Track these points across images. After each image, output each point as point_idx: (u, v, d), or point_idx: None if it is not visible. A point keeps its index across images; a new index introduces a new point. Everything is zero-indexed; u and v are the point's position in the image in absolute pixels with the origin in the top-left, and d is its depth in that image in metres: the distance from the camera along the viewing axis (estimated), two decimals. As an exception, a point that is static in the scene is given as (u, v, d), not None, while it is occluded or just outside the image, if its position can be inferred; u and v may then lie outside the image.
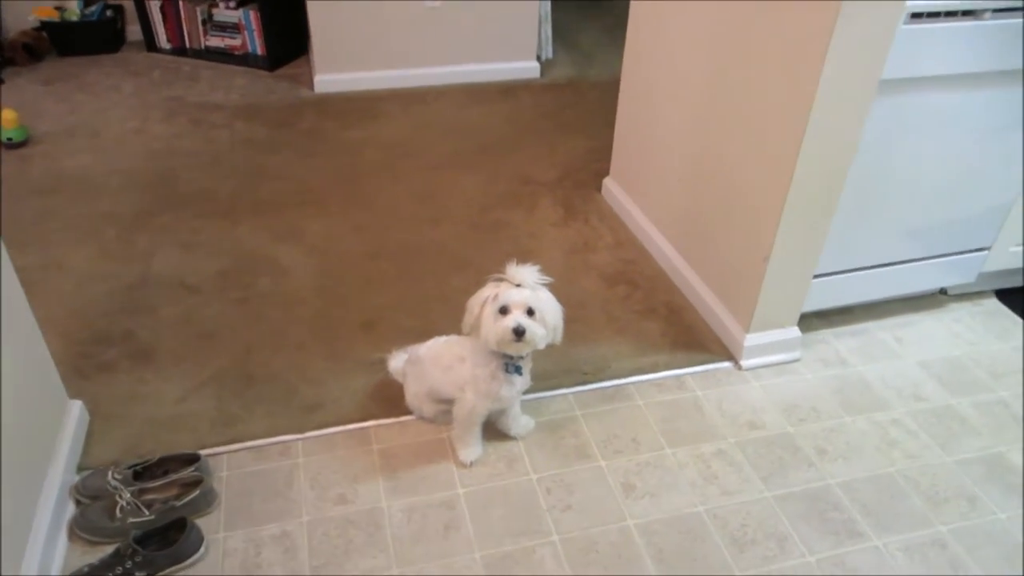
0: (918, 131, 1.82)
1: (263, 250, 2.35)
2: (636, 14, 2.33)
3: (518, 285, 1.48)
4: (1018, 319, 2.26)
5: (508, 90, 3.53)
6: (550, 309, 1.51)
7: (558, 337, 1.56)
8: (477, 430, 1.67)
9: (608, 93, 2.54)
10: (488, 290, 1.51)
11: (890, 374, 2.02)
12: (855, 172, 1.79)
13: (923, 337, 2.16)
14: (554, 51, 3.87)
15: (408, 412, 1.78)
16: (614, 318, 2.13)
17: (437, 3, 3.35)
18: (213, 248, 2.35)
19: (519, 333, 1.46)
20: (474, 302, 1.52)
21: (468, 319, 1.53)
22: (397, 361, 1.80)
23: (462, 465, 1.68)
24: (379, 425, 1.76)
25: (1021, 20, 1.70)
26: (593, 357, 1.98)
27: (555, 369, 1.91)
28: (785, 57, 1.68)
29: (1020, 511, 1.68)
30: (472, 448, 1.67)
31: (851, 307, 2.19)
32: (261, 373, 1.88)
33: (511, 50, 3.59)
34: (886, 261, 2.07)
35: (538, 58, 3.69)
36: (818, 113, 1.62)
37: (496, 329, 1.47)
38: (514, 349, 1.51)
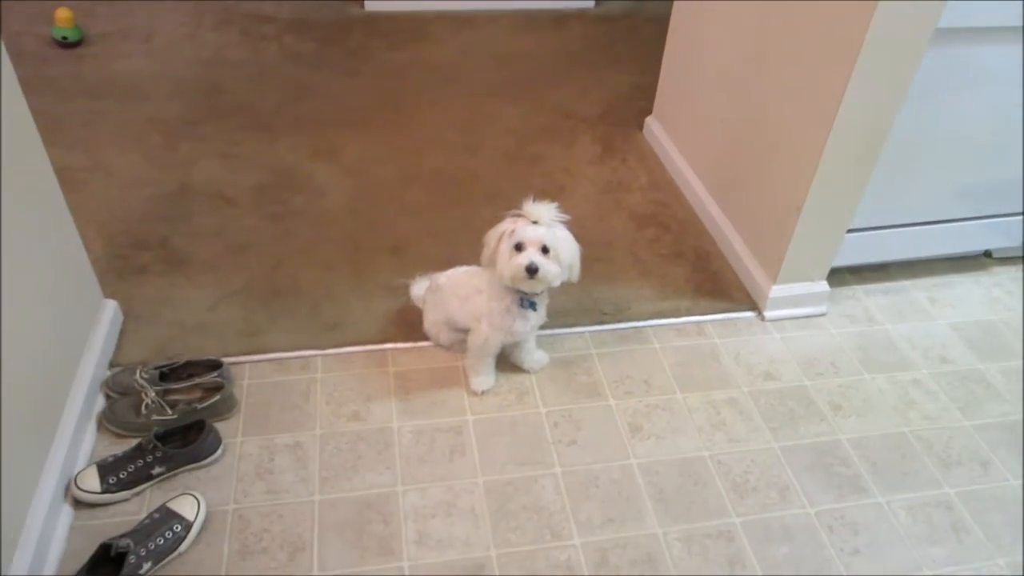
0: (972, 85, 1.72)
1: (300, 167, 2.38)
2: (692, -56, 2.23)
3: (535, 222, 1.48)
4: (1064, 289, 2.18)
5: (560, 19, 3.43)
6: (566, 247, 1.51)
7: (574, 275, 1.56)
8: (490, 360, 1.70)
9: (662, 28, 2.45)
10: (505, 225, 1.50)
11: (918, 334, 1.98)
12: (901, 124, 1.71)
13: (959, 299, 2.10)
14: (610, -20, 3.74)
15: (425, 338, 1.82)
16: (640, 260, 2.11)
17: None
18: (252, 161, 2.39)
19: (532, 271, 1.46)
20: (491, 236, 1.53)
21: (486, 252, 1.54)
22: (419, 288, 1.83)
23: (473, 393, 1.71)
24: (396, 348, 1.80)
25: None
26: (614, 297, 1.98)
27: (574, 307, 1.92)
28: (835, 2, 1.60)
29: (1033, 482, 1.66)
30: (484, 377, 1.71)
31: (887, 264, 2.13)
32: (288, 288, 1.93)
33: (566, -22, 3.48)
34: (928, 219, 2.00)
35: (594, -13, 3.57)
36: (865, 60, 1.54)
37: (510, 265, 1.48)
38: (527, 286, 1.52)
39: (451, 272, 1.73)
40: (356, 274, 1.99)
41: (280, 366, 1.74)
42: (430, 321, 1.77)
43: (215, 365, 1.64)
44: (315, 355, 1.77)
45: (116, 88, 2.70)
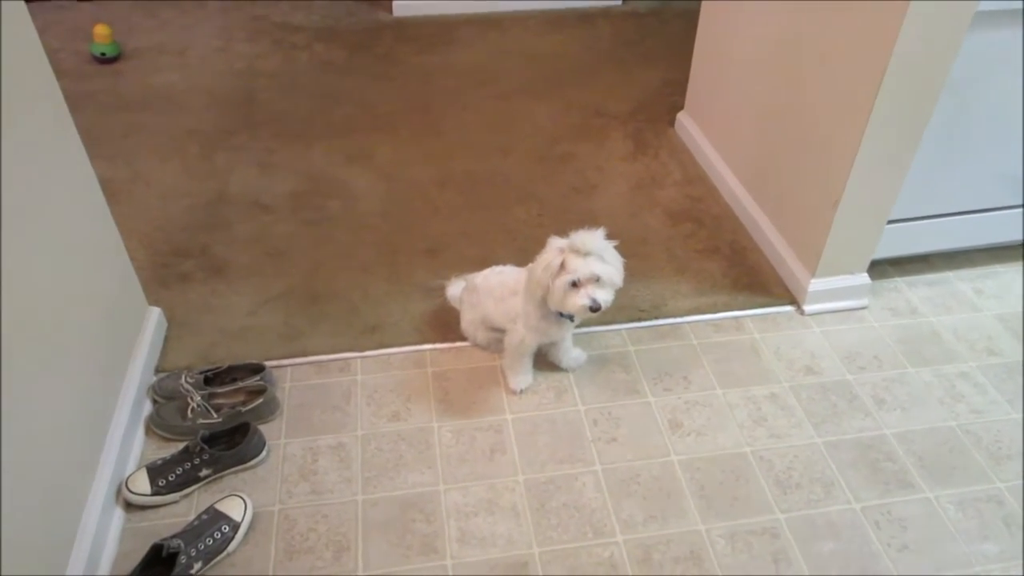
0: (1013, 69, 1.68)
1: (335, 173, 2.41)
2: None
3: (586, 254, 1.46)
4: (1115, 277, 2.11)
5: (587, 17, 3.43)
6: (617, 273, 1.51)
7: (619, 284, 1.55)
8: (527, 360, 1.70)
9: (691, 23, 2.44)
10: (554, 256, 1.47)
11: (964, 326, 1.94)
12: (942, 112, 1.68)
13: (1005, 290, 2.05)
14: (638, -23, 3.72)
15: (463, 338, 1.83)
16: (675, 256, 2.10)
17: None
18: (287, 169, 2.43)
19: (595, 310, 1.47)
20: (541, 272, 1.49)
21: (536, 291, 1.52)
22: (455, 288, 1.84)
23: (511, 393, 1.72)
24: (434, 349, 1.82)
25: None
26: (650, 295, 1.97)
27: (611, 305, 1.91)
28: (874, -15, 1.57)
29: (1088, 476, 1.61)
30: (522, 377, 1.71)
31: (929, 255, 2.09)
32: (326, 292, 1.96)
33: (592, -24, 3.47)
34: (971, 208, 1.96)
35: (621, -16, 3.55)
36: (903, 46, 1.52)
37: (568, 304, 1.47)
38: (586, 317, 1.53)
39: (487, 272, 1.73)
40: (393, 277, 2.01)
41: (320, 369, 1.77)
42: (467, 320, 1.78)
43: (258, 369, 1.67)
44: (354, 357, 1.79)
45: (154, 101, 2.76)
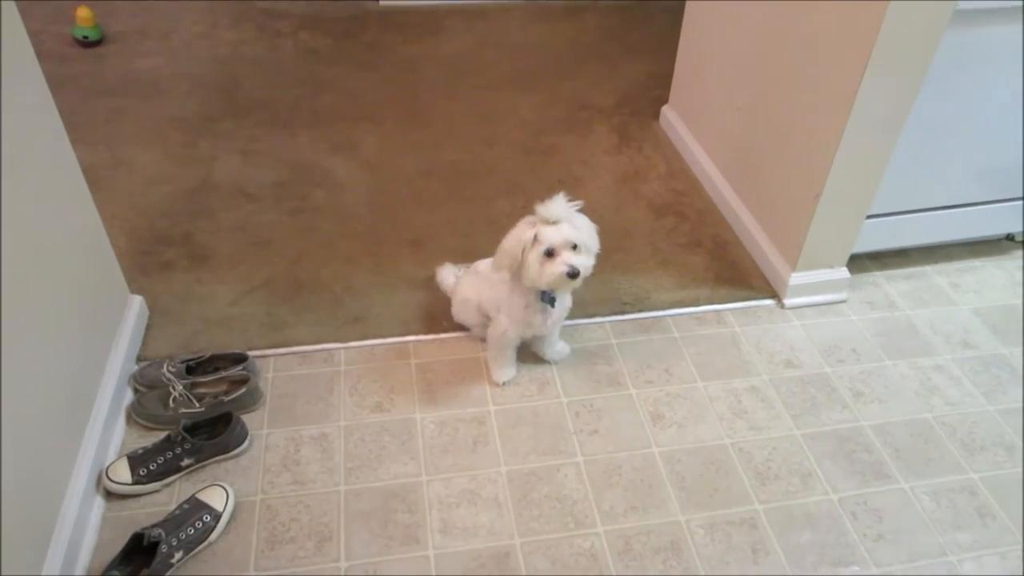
0: (992, 66, 1.71)
1: (319, 162, 2.40)
2: (707, -69, 2.22)
3: (554, 222, 1.46)
4: (1089, 273, 2.15)
5: (573, 9, 3.43)
6: (590, 236, 1.51)
7: (596, 253, 1.55)
8: (511, 352, 1.71)
9: (676, 16, 2.45)
10: (526, 231, 1.47)
11: (940, 320, 1.97)
12: (920, 108, 1.70)
13: (981, 284, 2.08)
14: (625, -31, 3.71)
15: (446, 330, 1.83)
16: (659, 249, 2.11)
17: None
18: (272, 157, 2.41)
19: (574, 276, 1.45)
20: (512, 246, 1.48)
21: (506, 262, 1.50)
22: (447, 274, 1.84)
23: (495, 385, 1.73)
24: (418, 340, 1.82)
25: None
26: (633, 288, 1.98)
27: (593, 298, 1.93)
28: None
29: (1058, 468, 1.65)
30: (505, 369, 1.72)
31: (908, 249, 2.12)
32: (310, 282, 1.96)
33: (579, -35, 3.47)
34: (949, 203, 1.98)
35: (608, -25, 3.55)
36: (884, 43, 1.53)
37: (546, 274, 1.46)
38: (568, 287, 1.53)
39: (490, 260, 1.71)
40: (377, 267, 2.01)
41: (304, 359, 1.77)
42: (461, 299, 1.76)
43: (240, 358, 1.66)
44: (338, 348, 1.79)
45: (137, 86, 2.73)
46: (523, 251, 1.47)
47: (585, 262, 1.48)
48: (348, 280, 1.96)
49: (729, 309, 1.95)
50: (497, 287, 1.64)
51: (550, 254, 1.46)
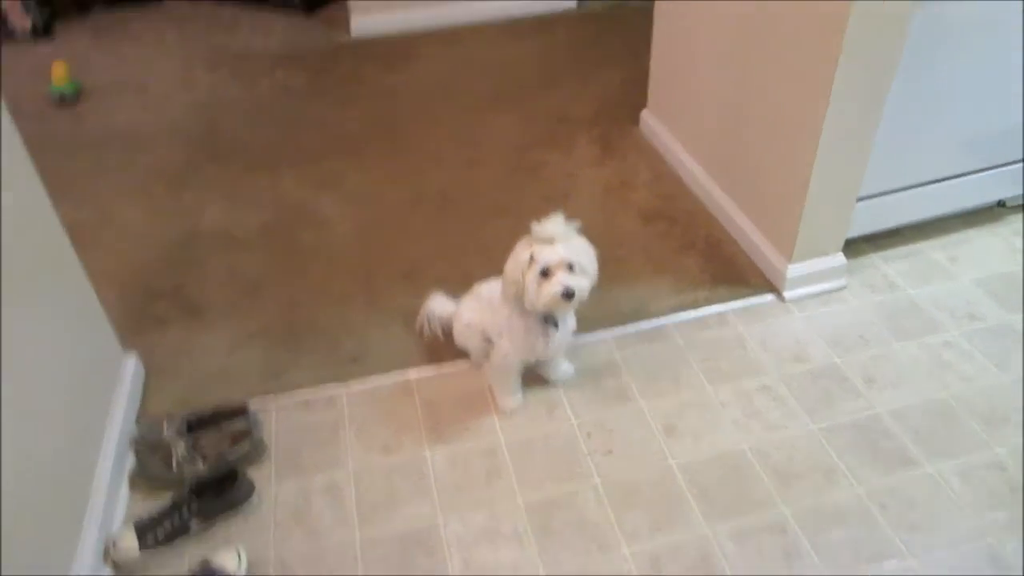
0: (964, 39, 1.70)
1: (305, 201, 2.38)
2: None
3: (551, 241, 1.43)
4: (1086, 230, 2.13)
5: (544, 23, 3.42)
6: (588, 258, 1.48)
7: (594, 278, 1.53)
8: (515, 378, 1.68)
9: (647, 20, 2.44)
10: (523, 252, 1.45)
11: (942, 295, 1.94)
12: (900, 86, 1.68)
13: (979, 254, 2.06)
14: (591, -22, 3.73)
15: (448, 359, 1.80)
16: (652, 256, 2.09)
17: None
18: (257, 201, 2.39)
19: (569, 296, 1.43)
20: (513, 270, 1.47)
21: (509, 288, 1.49)
22: (438, 303, 1.80)
23: (502, 413, 1.69)
24: (421, 374, 1.79)
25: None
26: (631, 298, 1.95)
27: (593, 313, 1.88)
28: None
29: (1083, 437, 1.62)
30: (511, 396, 1.69)
31: (901, 228, 2.09)
32: (306, 325, 1.93)
33: (546, -20, 3.47)
34: (937, 177, 1.96)
35: (575, -13, 3.56)
36: (855, 24, 1.52)
37: (543, 295, 1.43)
38: (565, 309, 1.50)
39: (492, 283, 1.69)
40: (372, 303, 1.98)
41: (306, 405, 1.73)
42: (464, 324, 1.72)
43: (241, 411, 1.63)
44: (340, 390, 1.76)
45: (117, 141, 2.72)
46: (523, 273, 1.44)
47: (581, 283, 1.45)
48: (344, 319, 1.94)
49: (730, 309, 1.93)
50: (498, 311, 1.61)
51: (546, 274, 1.43)
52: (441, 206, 2.33)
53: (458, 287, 1.79)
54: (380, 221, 2.28)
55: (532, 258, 1.43)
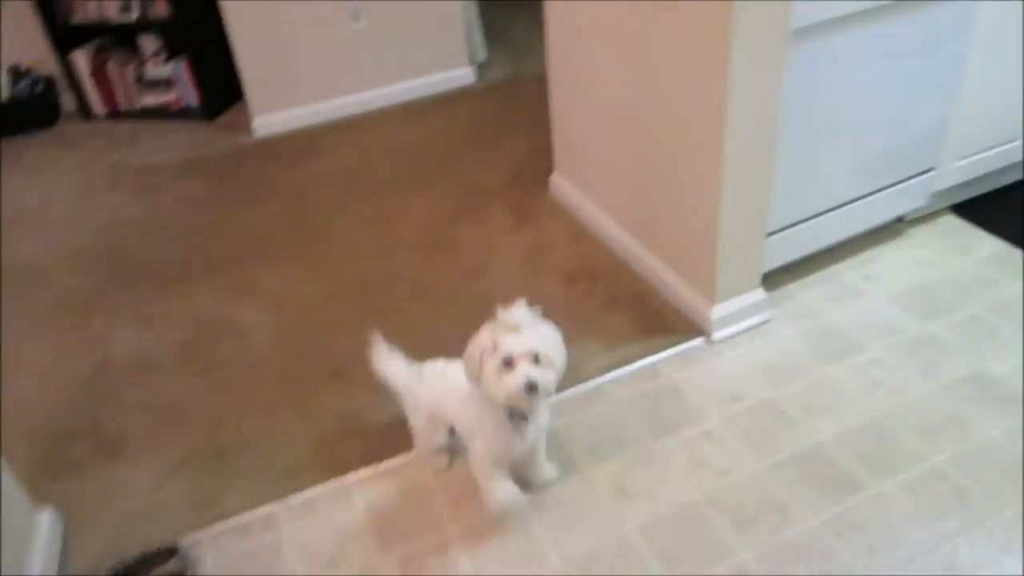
0: (839, 71, 1.80)
1: (221, 313, 2.31)
2: (550, 4, 2.29)
3: (515, 329, 1.33)
4: (977, 230, 2.24)
5: (447, 101, 3.49)
6: (555, 348, 1.36)
7: (562, 370, 1.41)
8: (502, 472, 1.52)
9: (546, 86, 2.51)
10: (485, 337, 1.35)
11: (861, 314, 2.00)
12: (788, 124, 1.76)
13: (889, 270, 2.14)
14: (488, 53, 3.83)
15: (388, 456, 1.74)
16: (579, 317, 2.09)
17: (362, 24, 3.30)
18: (170, 319, 2.31)
19: (532, 389, 1.31)
20: (473, 352, 1.37)
21: (471, 370, 1.38)
22: (397, 364, 1.66)
23: (451, 505, 1.62)
24: (361, 476, 1.72)
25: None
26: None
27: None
28: (697, 24, 1.65)
29: (1011, 424, 1.66)
30: (502, 486, 1.51)
31: (813, 255, 2.16)
32: (233, 444, 1.84)
33: (443, 60, 3.55)
34: (838, 203, 2.05)
35: (473, 63, 3.64)
36: (736, 74, 1.59)
37: (504, 386, 1.32)
38: (528, 404, 1.38)
39: (447, 364, 1.57)
40: (301, 410, 1.91)
41: (242, 531, 1.64)
42: (424, 416, 1.61)
43: (171, 552, 1.53)
44: (277, 508, 1.67)
45: (14, 276, 2.60)
46: (481, 358, 1.35)
47: (547, 376, 1.33)
48: (274, 431, 1.86)
49: (662, 359, 1.93)
50: (465, 406, 1.48)
51: (509, 364, 1.33)
52: (361, 297, 2.30)
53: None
54: (301, 321, 2.23)
55: (495, 344, 1.33)
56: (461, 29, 3.51)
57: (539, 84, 3.40)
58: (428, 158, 3.02)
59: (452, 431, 1.63)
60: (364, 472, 1.73)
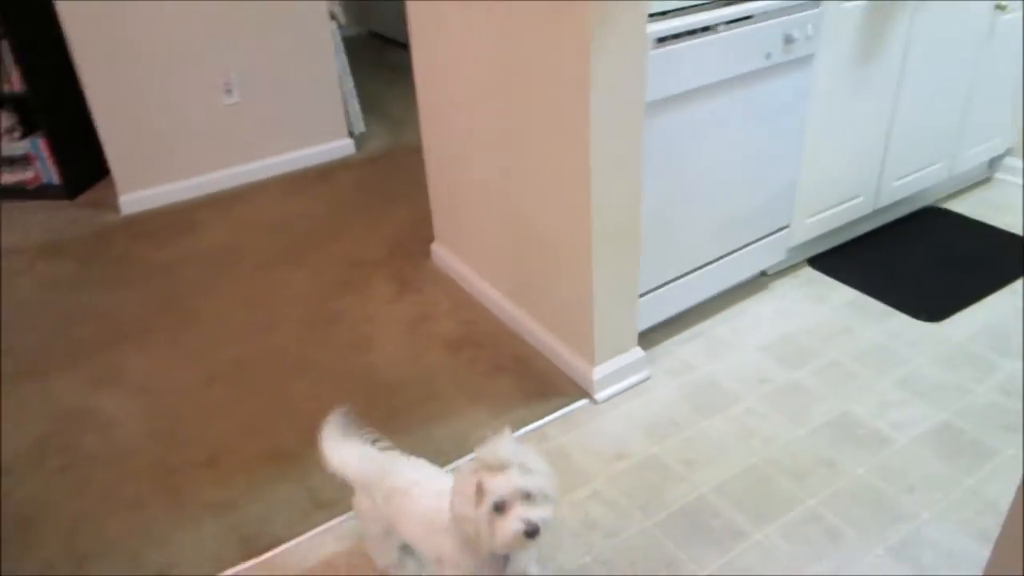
0: (695, 140, 1.92)
1: (82, 404, 2.15)
2: (421, 79, 2.35)
3: (501, 468, 1.18)
4: (832, 280, 2.42)
5: (326, 172, 3.47)
6: (547, 481, 1.22)
7: (557, 501, 1.27)
8: None
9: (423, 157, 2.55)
10: (469, 483, 1.20)
11: (734, 366, 2.10)
12: (651, 191, 1.86)
13: (755, 322, 2.26)
14: (367, 124, 3.86)
15: (268, 549, 1.65)
16: (465, 386, 2.09)
17: (235, 99, 3.26)
18: (24, 415, 2.12)
19: (532, 533, 1.17)
20: (462, 506, 1.20)
21: (465, 529, 1.22)
22: (347, 454, 1.44)
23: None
24: (240, 571, 1.62)
25: (750, 28, 1.84)
26: (450, 435, 1.92)
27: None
28: (558, 101, 1.73)
29: (874, 461, 1.77)
30: None
31: (686, 312, 2.26)
32: (96, 549, 1.70)
33: (322, 132, 3.55)
34: (705, 261, 2.16)
35: (351, 134, 3.66)
36: (596, 147, 1.67)
37: (499, 534, 1.17)
38: (528, 548, 1.22)
39: (413, 474, 1.39)
40: (174, 503, 1.79)
41: (106, 644, 1.50)
42: (376, 535, 1.44)
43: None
44: (146, 615, 1.55)
45: None
46: (472, 509, 1.19)
47: (544, 514, 1.19)
48: (143, 528, 1.73)
49: (548, 422, 1.95)
50: (437, 536, 1.31)
51: (500, 509, 1.18)
52: (238, 378, 2.20)
53: (269, 463, 1.67)
54: (172, 408, 2.11)
55: (480, 489, 1.18)
56: (339, 100, 3.53)
57: (417, 154, 3.44)
58: (308, 231, 2.98)
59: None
60: (245, 567, 1.63)
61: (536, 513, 1.18)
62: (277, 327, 2.42)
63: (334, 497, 1.74)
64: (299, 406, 2.05)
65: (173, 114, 3.18)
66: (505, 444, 1.21)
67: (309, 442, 1.64)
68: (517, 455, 1.20)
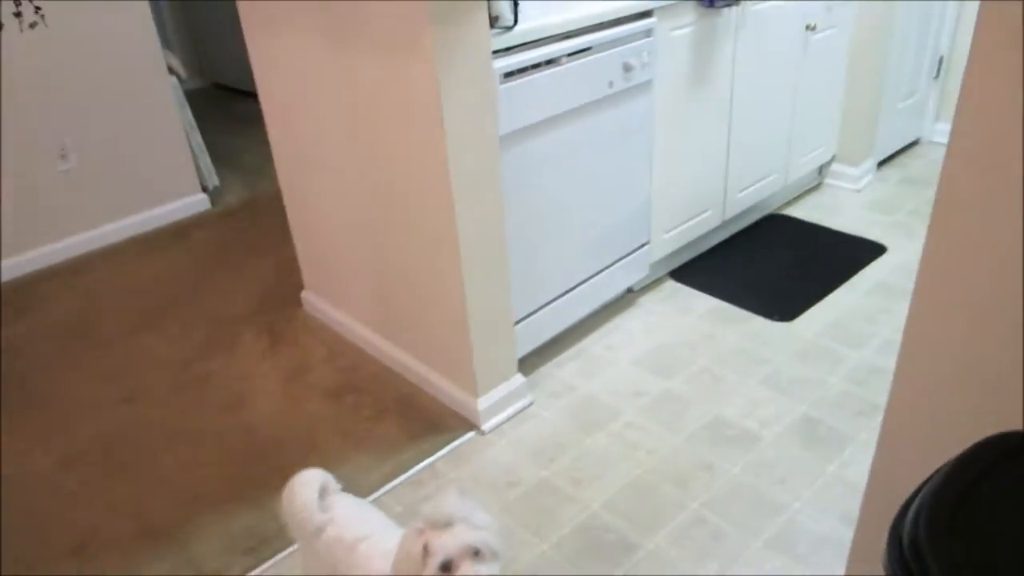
0: (549, 168, 1.99)
1: (-83, 510, 1.93)
2: (272, 126, 2.31)
3: (447, 526, 1.17)
4: (693, 291, 2.56)
5: (181, 230, 3.32)
6: (493, 535, 1.20)
7: (504, 555, 1.24)
8: None
9: (283, 206, 2.48)
10: (414, 543, 1.17)
11: (611, 382, 2.17)
12: (513, 221, 1.91)
13: (627, 338, 2.35)
14: (220, 177, 3.73)
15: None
16: (349, 433, 2.04)
17: (71, 164, 3.07)
18: None
19: None
20: (408, 567, 1.17)
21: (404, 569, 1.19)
22: (308, 490, 1.41)
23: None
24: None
25: (591, 59, 1.94)
26: (341, 483, 1.86)
27: (301, 512, 1.77)
28: (414, 140, 1.75)
29: (748, 458, 1.87)
30: None
31: (561, 334, 2.32)
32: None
33: (173, 189, 3.39)
34: (573, 284, 2.23)
35: (205, 189, 3.52)
36: (457, 182, 1.70)
37: None
38: None
39: (361, 527, 1.37)
40: (33, 603, 1.64)
41: None
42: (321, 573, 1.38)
43: None
44: None
45: None
46: (417, 570, 1.16)
47: (492, 570, 1.17)
48: (-1, 637, 1.57)
49: (437, 459, 1.94)
50: None
51: (446, 568, 1.16)
52: (102, 457, 2.05)
53: (145, 546, 1.55)
54: (26, 498, 1.93)
55: (427, 549, 1.16)
56: (188, 156, 3.41)
57: (277, 202, 3.37)
58: (167, 292, 2.83)
59: None
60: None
61: (485, 569, 1.16)
62: (140, 397, 2.27)
63: (217, 566, 1.64)
64: (170, 477, 1.93)
65: (4, 185, 2.95)
66: (450, 500, 1.20)
67: (185, 513, 1.55)
68: (463, 510, 1.19)
